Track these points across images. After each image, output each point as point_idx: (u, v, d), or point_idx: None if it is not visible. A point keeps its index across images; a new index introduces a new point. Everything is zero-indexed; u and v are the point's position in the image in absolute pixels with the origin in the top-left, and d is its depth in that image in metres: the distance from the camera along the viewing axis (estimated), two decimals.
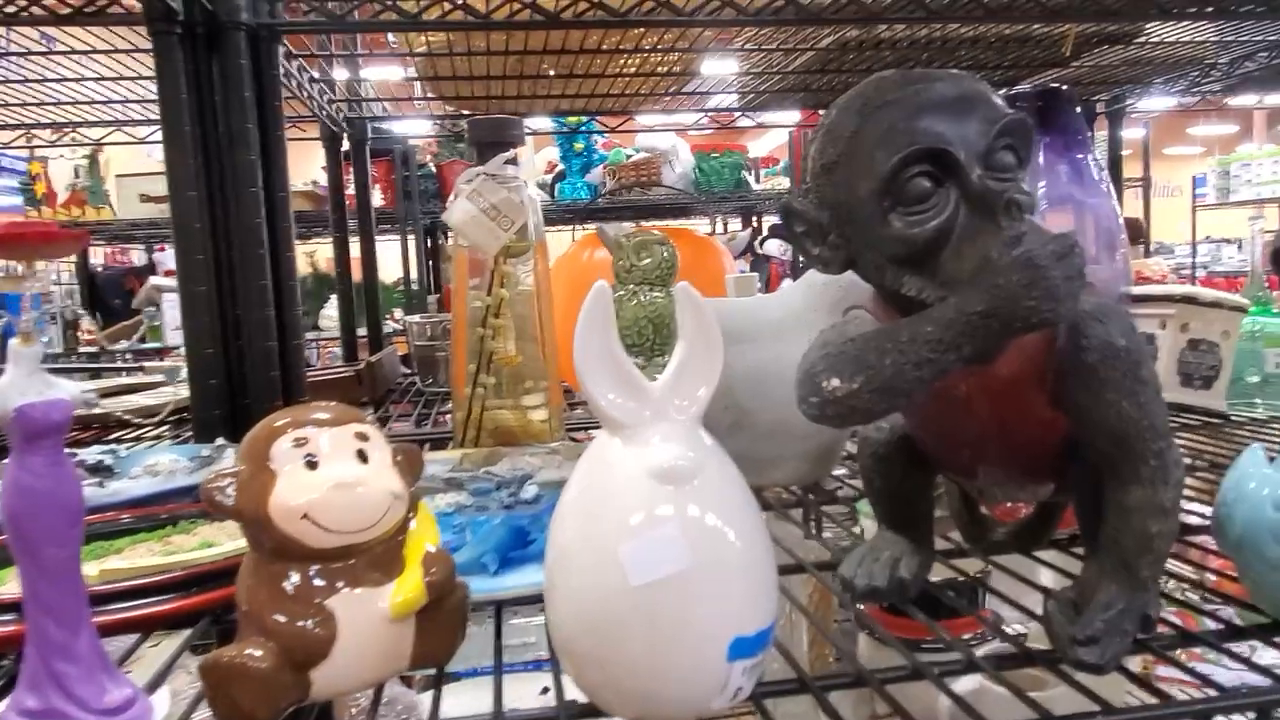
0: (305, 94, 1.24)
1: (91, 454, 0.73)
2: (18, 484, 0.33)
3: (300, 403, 0.39)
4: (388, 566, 0.38)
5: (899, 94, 0.35)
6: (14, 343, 0.32)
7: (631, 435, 0.34)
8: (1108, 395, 0.36)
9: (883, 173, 0.34)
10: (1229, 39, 1.39)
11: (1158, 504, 0.36)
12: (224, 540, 0.53)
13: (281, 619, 0.35)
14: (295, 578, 0.36)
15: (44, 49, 1.17)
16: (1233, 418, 0.88)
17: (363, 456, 0.37)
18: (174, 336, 2.62)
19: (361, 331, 1.70)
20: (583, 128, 2.46)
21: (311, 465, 0.36)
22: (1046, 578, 0.56)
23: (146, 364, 1.47)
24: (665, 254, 0.62)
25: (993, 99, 0.35)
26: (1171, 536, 0.36)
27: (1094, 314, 0.36)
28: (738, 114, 1.64)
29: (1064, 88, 0.94)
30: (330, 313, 3.05)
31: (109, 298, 3.08)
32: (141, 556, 0.51)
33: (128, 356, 2.40)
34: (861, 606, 1.19)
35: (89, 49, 1.15)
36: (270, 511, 0.35)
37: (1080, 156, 0.91)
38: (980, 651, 0.41)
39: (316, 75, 1.29)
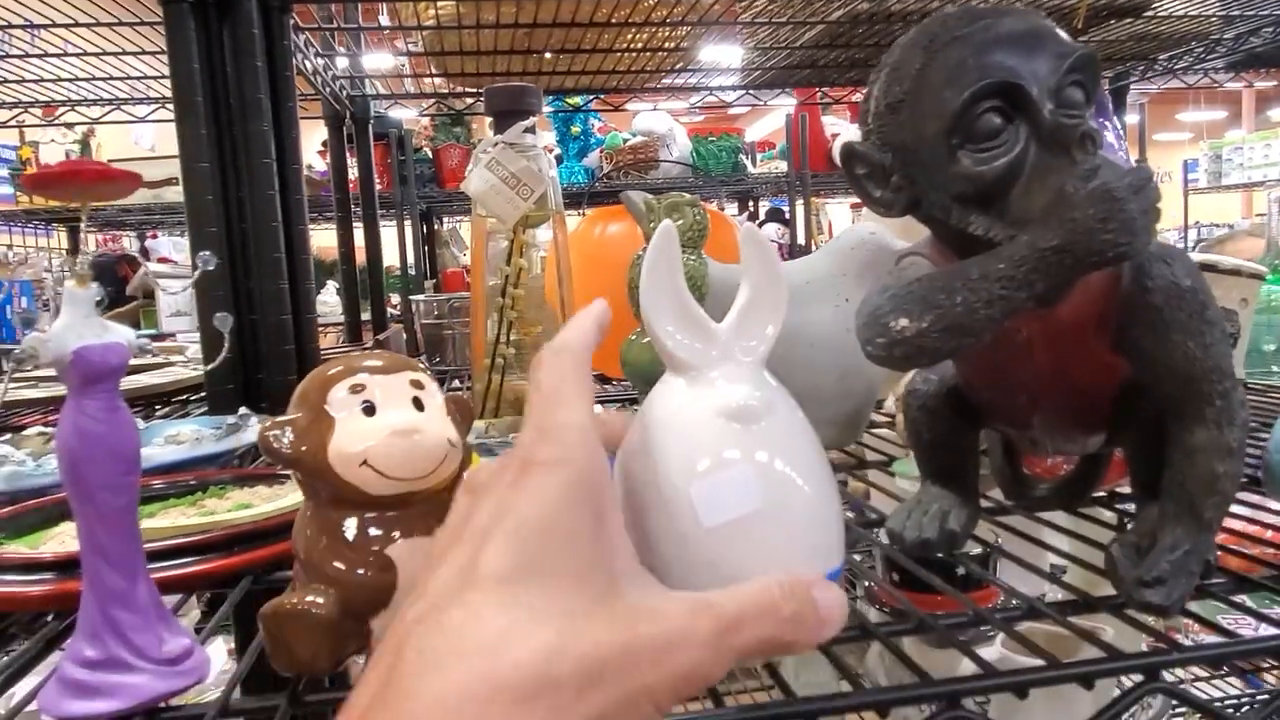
0: (310, 69, 1.22)
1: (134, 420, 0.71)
2: (76, 427, 0.32)
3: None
4: (443, 517, 0.37)
5: (967, 29, 0.34)
6: (69, 284, 0.32)
7: (698, 376, 0.33)
8: (1173, 336, 0.35)
9: (952, 109, 0.34)
10: (1234, 14, 1.39)
11: (1224, 444, 0.36)
12: (259, 503, 0.53)
13: (342, 566, 0.35)
14: (354, 525, 0.35)
15: (40, 22, 1.15)
16: (1251, 385, 0.88)
17: (418, 404, 0.37)
18: (169, 324, 2.59)
19: (365, 316, 1.69)
20: (581, 109, 2.45)
21: (369, 412, 0.35)
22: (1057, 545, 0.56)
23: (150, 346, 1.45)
24: (696, 216, 0.61)
25: (1060, 34, 0.35)
26: (1237, 478, 0.36)
27: (1159, 255, 0.36)
28: (743, 91, 1.63)
29: None
30: (326, 298, 3.02)
31: (102, 285, 3.04)
32: (178, 518, 0.51)
33: None
34: (872, 584, 1.19)
35: (90, 21, 1.13)
36: (329, 458, 0.35)
37: (1099, 124, 0.91)
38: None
39: (320, 50, 1.28)
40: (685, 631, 0.24)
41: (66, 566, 0.41)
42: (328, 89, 1.38)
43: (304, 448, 0.35)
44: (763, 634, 0.26)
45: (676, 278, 0.33)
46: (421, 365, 0.39)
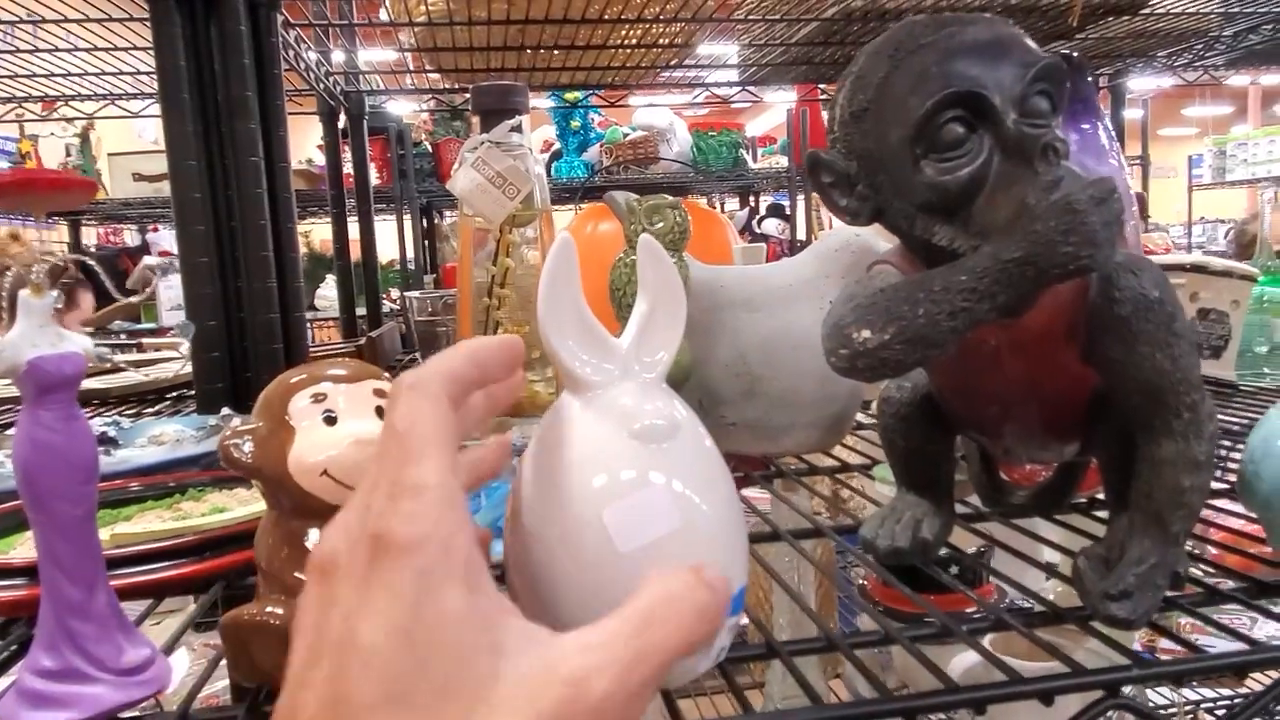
0: (303, 65, 1.22)
1: (95, 426, 0.72)
2: (31, 438, 0.32)
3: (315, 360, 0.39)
4: None
5: (932, 38, 0.34)
6: (24, 294, 0.32)
7: (600, 395, 0.32)
8: (1141, 348, 0.35)
9: (915, 118, 0.33)
10: (1233, 10, 1.38)
11: (1191, 457, 0.35)
12: (235, 506, 0.53)
13: (303, 577, 0.35)
14: (315, 535, 0.35)
15: (35, 18, 1.15)
16: (1242, 387, 0.87)
17: (381, 413, 0.37)
18: (169, 317, 2.59)
19: (360, 311, 1.69)
20: (579, 104, 2.44)
21: (330, 421, 0.35)
22: (1049, 556, 0.56)
23: (145, 340, 1.46)
24: (678, 218, 0.61)
25: (1027, 43, 0.35)
26: (1205, 490, 0.36)
27: (1127, 265, 0.35)
28: (738, 89, 1.63)
29: (1073, 54, 0.93)
30: (326, 293, 3.02)
31: (92, 280, 3.04)
32: (151, 523, 0.51)
33: (122, 336, 2.38)
34: (865, 582, 1.19)
35: (81, 17, 1.13)
36: (289, 468, 0.34)
37: (1090, 125, 0.90)
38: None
39: (313, 46, 1.27)
40: (582, 695, 0.22)
41: (37, 572, 0.41)
42: (321, 85, 1.38)
43: (264, 457, 0.35)
44: (672, 647, 0.24)
45: (576, 291, 0.32)
46: (386, 375, 0.38)
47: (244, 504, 0.54)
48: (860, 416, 0.77)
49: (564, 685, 0.22)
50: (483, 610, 0.24)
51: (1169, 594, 0.38)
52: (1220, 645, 0.47)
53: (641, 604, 0.24)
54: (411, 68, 1.59)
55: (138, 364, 1.07)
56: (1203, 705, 1.35)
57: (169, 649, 0.38)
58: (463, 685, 0.22)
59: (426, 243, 3.06)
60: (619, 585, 0.29)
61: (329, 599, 0.24)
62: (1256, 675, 1.30)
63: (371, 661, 0.22)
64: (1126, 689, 0.33)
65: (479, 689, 0.22)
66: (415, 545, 0.23)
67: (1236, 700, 1.33)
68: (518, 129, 0.83)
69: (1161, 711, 1.26)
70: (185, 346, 0.45)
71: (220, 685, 0.70)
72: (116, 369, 0.88)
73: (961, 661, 0.88)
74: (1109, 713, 0.33)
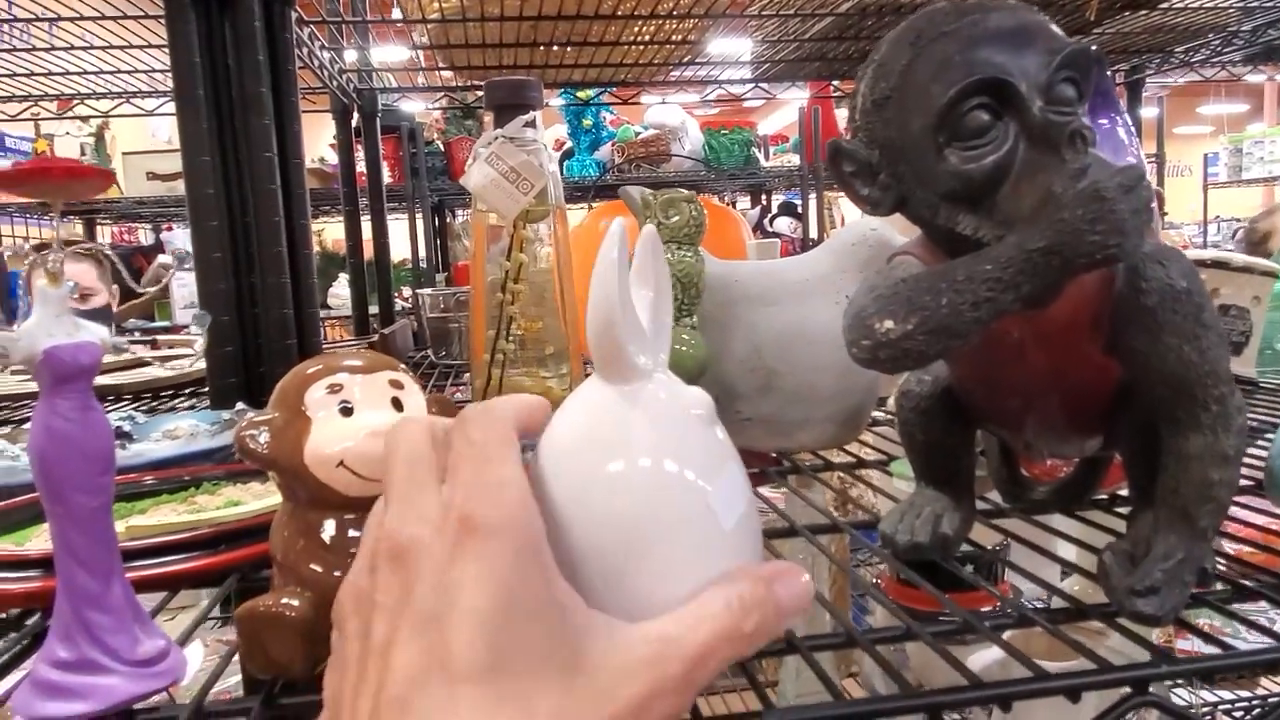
0: (316, 63, 1.22)
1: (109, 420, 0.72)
2: (48, 427, 0.32)
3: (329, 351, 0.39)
4: None
5: (954, 25, 0.34)
6: (40, 283, 0.31)
7: (645, 384, 0.30)
8: (1168, 339, 0.34)
9: (938, 106, 0.33)
10: (1253, 5, 1.36)
11: (1219, 451, 0.35)
12: (249, 500, 0.53)
13: (318, 568, 0.34)
14: (331, 527, 0.35)
15: (51, 16, 1.15)
16: (1263, 384, 0.86)
17: (397, 404, 0.36)
18: (183, 315, 2.61)
19: (373, 309, 1.69)
20: (592, 102, 2.44)
21: (346, 412, 0.35)
22: (1066, 552, 0.55)
23: (160, 338, 1.46)
24: (693, 212, 0.61)
25: (1052, 29, 0.34)
26: (1233, 485, 0.35)
27: (1154, 256, 0.35)
28: (752, 85, 1.62)
29: (1093, 47, 0.92)
30: (339, 291, 3.03)
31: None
32: (166, 516, 0.51)
33: (137, 333, 2.40)
34: (878, 580, 1.18)
35: (96, 14, 1.14)
36: (306, 459, 0.34)
37: (1109, 120, 0.89)
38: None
39: (327, 43, 1.27)
40: (659, 682, 0.24)
41: (52, 564, 0.41)
42: (334, 83, 1.38)
43: (280, 448, 0.35)
44: (727, 658, 0.25)
45: (627, 281, 0.31)
46: (401, 366, 0.38)
47: (258, 498, 0.53)
48: (875, 413, 0.77)
49: (647, 668, 0.24)
50: (560, 597, 0.25)
51: (1194, 590, 0.37)
52: (1239, 644, 0.46)
53: (699, 640, 0.25)
54: (424, 65, 1.60)
55: (156, 359, 1.07)
56: (1219, 707, 1.33)
57: (183, 641, 0.38)
58: (553, 660, 0.23)
59: (438, 241, 3.06)
60: (723, 563, 0.28)
61: (411, 577, 0.25)
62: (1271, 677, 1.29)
63: (476, 629, 0.23)
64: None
65: (567, 666, 0.24)
66: (502, 528, 0.24)
67: (1255, 702, 1.31)
68: (532, 124, 0.83)
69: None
70: (200, 342, 0.44)
71: (234, 680, 0.70)
72: (140, 362, 0.88)
73: (978, 659, 0.87)
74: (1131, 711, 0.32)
